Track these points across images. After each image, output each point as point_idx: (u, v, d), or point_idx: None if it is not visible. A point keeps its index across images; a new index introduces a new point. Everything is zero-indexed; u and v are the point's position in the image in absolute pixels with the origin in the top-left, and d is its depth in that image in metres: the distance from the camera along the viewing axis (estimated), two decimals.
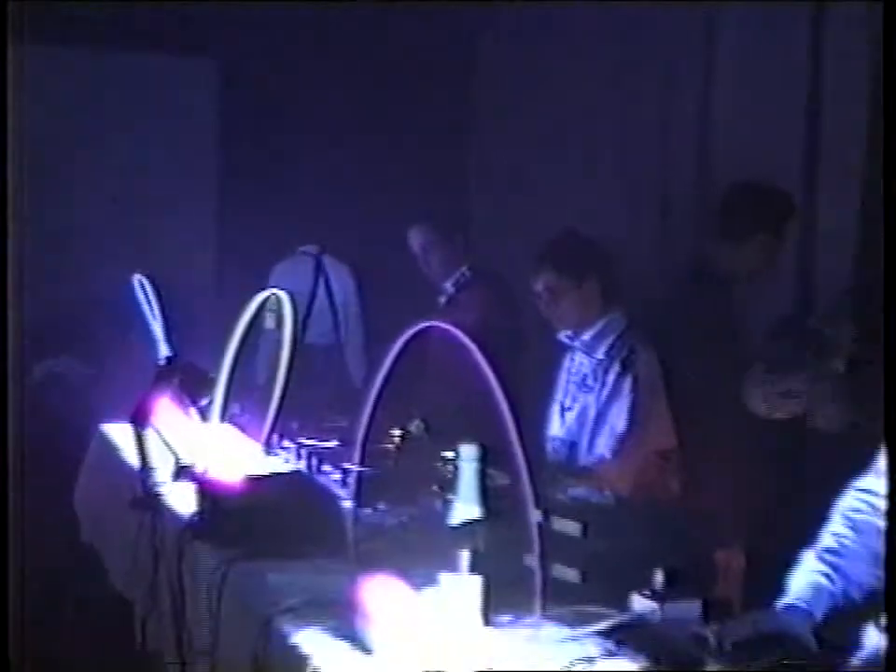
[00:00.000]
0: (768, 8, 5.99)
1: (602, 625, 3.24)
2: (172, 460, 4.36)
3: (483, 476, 3.66)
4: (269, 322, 4.61)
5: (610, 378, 5.17)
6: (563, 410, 5.37)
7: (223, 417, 4.64)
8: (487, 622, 3.18)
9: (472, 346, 3.30)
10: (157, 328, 5.21)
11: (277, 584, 3.55)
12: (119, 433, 5.20)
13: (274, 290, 4.60)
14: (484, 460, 3.65)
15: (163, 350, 5.12)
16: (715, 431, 4.86)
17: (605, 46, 6.98)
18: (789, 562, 3.39)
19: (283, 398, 4.31)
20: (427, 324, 3.50)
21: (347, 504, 3.86)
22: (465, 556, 3.24)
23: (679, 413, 5.07)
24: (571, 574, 3.48)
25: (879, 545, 3.36)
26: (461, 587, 3.20)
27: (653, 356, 5.14)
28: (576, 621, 3.27)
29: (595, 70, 7.03)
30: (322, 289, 6.81)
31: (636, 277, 5.44)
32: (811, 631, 3.14)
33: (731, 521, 4.61)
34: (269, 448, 4.41)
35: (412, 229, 6.79)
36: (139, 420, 4.25)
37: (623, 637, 3.18)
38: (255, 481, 4.04)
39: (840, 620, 3.25)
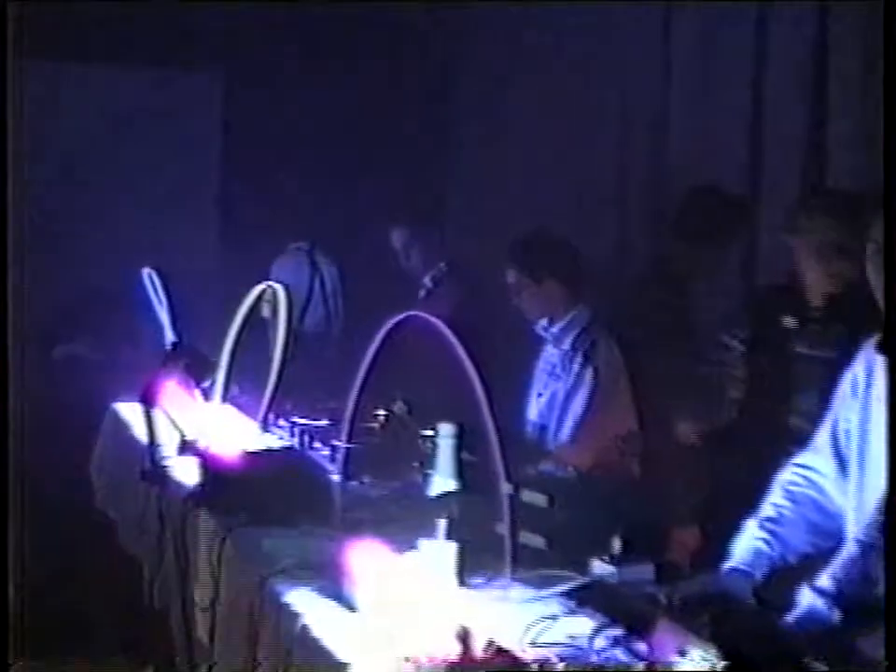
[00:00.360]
0: (720, 11, 5.96)
1: (565, 587, 3.26)
2: (177, 436, 4.36)
3: (459, 452, 3.67)
4: (265, 311, 4.62)
5: (575, 368, 5.19)
6: (537, 397, 5.40)
7: (224, 398, 4.65)
8: (462, 583, 3.19)
9: (449, 335, 3.31)
10: (164, 316, 5.21)
11: (271, 548, 3.56)
12: (130, 411, 5.20)
13: (270, 283, 4.61)
14: (461, 438, 3.66)
15: (170, 336, 5.12)
16: (670, 417, 4.88)
17: (571, 49, 6.90)
18: (733, 530, 3.41)
19: (279, 381, 4.32)
20: (409, 314, 3.51)
21: (335, 477, 3.87)
22: (442, 524, 3.26)
23: (639, 400, 5.09)
24: (538, 541, 3.51)
25: (814, 515, 3.39)
26: (438, 552, 3.21)
27: (615, 347, 5.16)
28: (541, 583, 3.29)
29: (562, 73, 6.97)
30: (317, 282, 6.79)
31: (600, 275, 5.40)
32: (752, 591, 3.16)
33: (682, 495, 4.63)
34: (265, 426, 4.41)
35: (393, 229, 6.82)
36: (148, 399, 4.25)
37: (584, 597, 3.20)
38: (252, 455, 4.05)
39: (777, 581, 3.27)
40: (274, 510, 3.81)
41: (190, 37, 7.85)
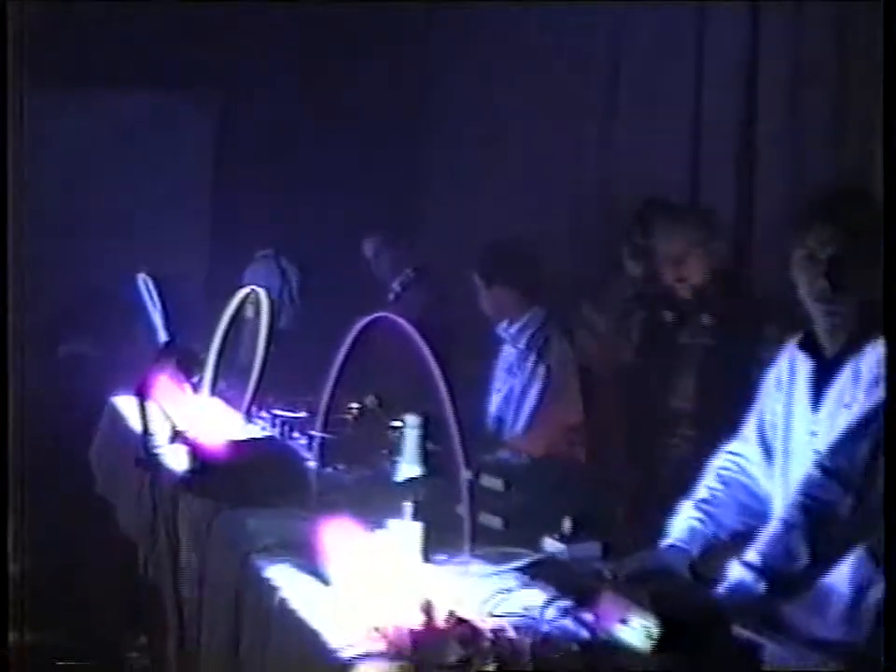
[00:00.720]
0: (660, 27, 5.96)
1: (520, 563, 3.28)
2: (169, 426, 4.34)
3: (424, 442, 3.67)
4: (249, 313, 4.61)
5: (529, 365, 5.21)
6: (496, 392, 5.42)
7: (212, 392, 4.65)
8: (426, 559, 3.20)
9: (415, 335, 3.31)
10: (158, 318, 5.20)
11: (254, 528, 3.56)
12: (127, 404, 5.18)
13: (254, 287, 4.61)
14: (425, 428, 3.67)
15: (163, 336, 5.12)
16: (615, 410, 4.89)
17: (536, 65, 6.90)
18: (670, 510, 3.42)
19: (261, 376, 4.31)
20: (378, 315, 3.51)
21: (312, 464, 3.88)
22: (408, 507, 3.26)
23: (586, 395, 5.11)
24: (495, 521, 3.51)
25: (743, 497, 3.41)
26: (405, 531, 3.22)
27: (566, 346, 5.17)
28: (499, 559, 3.30)
29: (527, 90, 6.96)
30: (286, 285, 6.79)
31: (557, 278, 5.39)
32: (687, 566, 3.17)
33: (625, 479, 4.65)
34: (249, 417, 4.40)
35: (365, 238, 6.84)
36: (142, 393, 4.23)
37: (537, 572, 3.22)
38: (237, 444, 4.05)
39: (710, 556, 3.28)
40: (257, 493, 3.81)
41: (185, 65, 7.83)
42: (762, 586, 2.94)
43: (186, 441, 4.13)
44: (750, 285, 4.90)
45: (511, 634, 2.67)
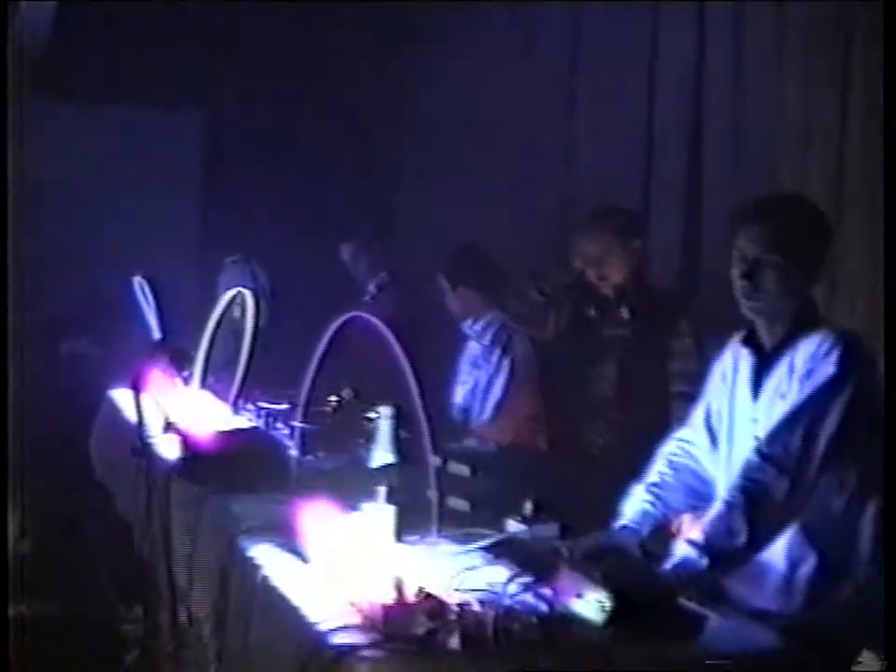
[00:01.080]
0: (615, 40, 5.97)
1: (484, 542, 3.28)
2: (162, 418, 4.33)
3: (397, 431, 3.68)
4: (236, 312, 4.61)
5: (494, 359, 5.23)
6: (461, 385, 5.43)
7: (202, 385, 4.63)
8: (398, 540, 3.19)
9: (387, 332, 3.31)
10: (151, 317, 5.18)
11: (239, 512, 3.55)
12: (122, 397, 5.16)
13: (240, 289, 4.59)
14: (398, 419, 3.67)
15: (156, 334, 5.10)
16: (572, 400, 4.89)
17: (501, 75, 6.90)
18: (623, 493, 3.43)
19: (247, 371, 4.30)
20: (353, 314, 3.51)
21: (294, 452, 3.86)
22: (382, 491, 3.25)
23: (546, 386, 5.12)
24: (462, 504, 3.52)
25: (690, 481, 3.42)
26: (379, 514, 3.21)
27: (528, 341, 5.19)
28: (465, 539, 3.30)
29: (497, 99, 6.97)
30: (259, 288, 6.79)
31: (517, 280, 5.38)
32: (638, 545, 3.18)
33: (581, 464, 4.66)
34: (235, 409, 4.39)
35: (343, 243, 6.84)
36: (137, 387, 4.21)
37: (500, 551, 3.22)
38: (224, 434, 4.04)
39: (659, 536, 3.29)
40: (242, 479, 3.80)
41: (170, 81, 7.83)
42: (705, 562, 2.95)
43: (177, 431, 4.12)
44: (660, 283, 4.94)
45: (476, 607, 2.67)
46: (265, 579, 3.01)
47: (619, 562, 2.92)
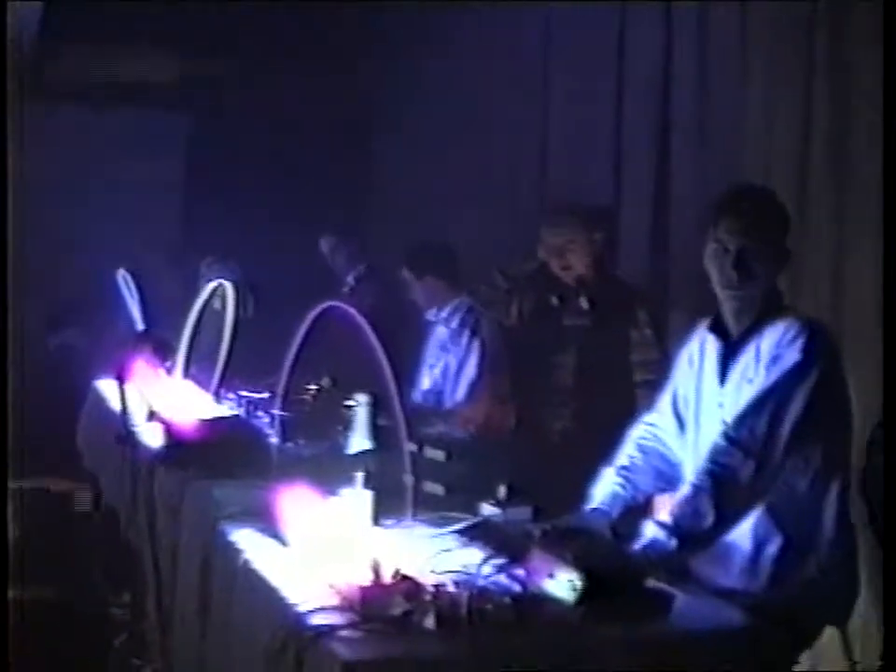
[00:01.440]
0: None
1: (459, 526, 3.27)
2: (145, 407, 4.31)
3: (374, 418, 3.67)
4: (217, 304, 4.59)
5: (464, 341, 5.27)
6: (427, 369, 5.42)
7: (184, 375, 4.62)
8: (376, 523, 3.18)
9: (363, 322, 3.31)
10: (135, 309, 5.17)
11: (221, 497, 3.53)
12: (108, 387, 5.13)
13: (221, 281, 4.58)
14: (375, 406, 3.66)
15: (140, 325, 5.08)
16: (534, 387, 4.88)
17: (477, 72, 6.88)
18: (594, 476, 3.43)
19: (227, 360, 4.29)
20: (330, 304, 3.50)
21: (274, 440, 3.86)
22: (360, 476, 3.24)
23: (514, 368, 5.12)
24: (438, 489, 3.50)
25: (659, 464, 3.43)
26: (357, 499, 3.20)
27: (495, 324, 5.20)
28: (440, 522, 3.30)
29: (471, 97, 6.96)
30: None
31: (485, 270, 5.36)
32: (609, 526, 3.18)
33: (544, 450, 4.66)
34: (217, 398, 4.38)
35: (322, 237, 6.82)
36: (121, 377, 4.20)
37: (475, 533, 3.21)
38: (206, 422, 4.02)
39: (629, 517, 3.29)
40: (224, 466, 3.78)
41: (153, 83, 7.81)
42: (673, 543, 2.96)
43: (161, 420, 4.10)
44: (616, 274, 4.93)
45: (451, 588, 2.67)
46: (246, 562, 3.00)
47: (589, 543, 2.92)
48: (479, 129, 6.90)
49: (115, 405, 4.60)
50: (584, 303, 4.64)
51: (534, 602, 2.69)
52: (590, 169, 5.89)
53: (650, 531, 3.00)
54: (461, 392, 5.27)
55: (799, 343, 3.08)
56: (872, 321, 4.20)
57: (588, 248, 4.69)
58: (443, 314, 5.41)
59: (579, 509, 3.32)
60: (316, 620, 2.57)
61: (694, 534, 2.99)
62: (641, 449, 3.46)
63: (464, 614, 2.57)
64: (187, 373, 4.61)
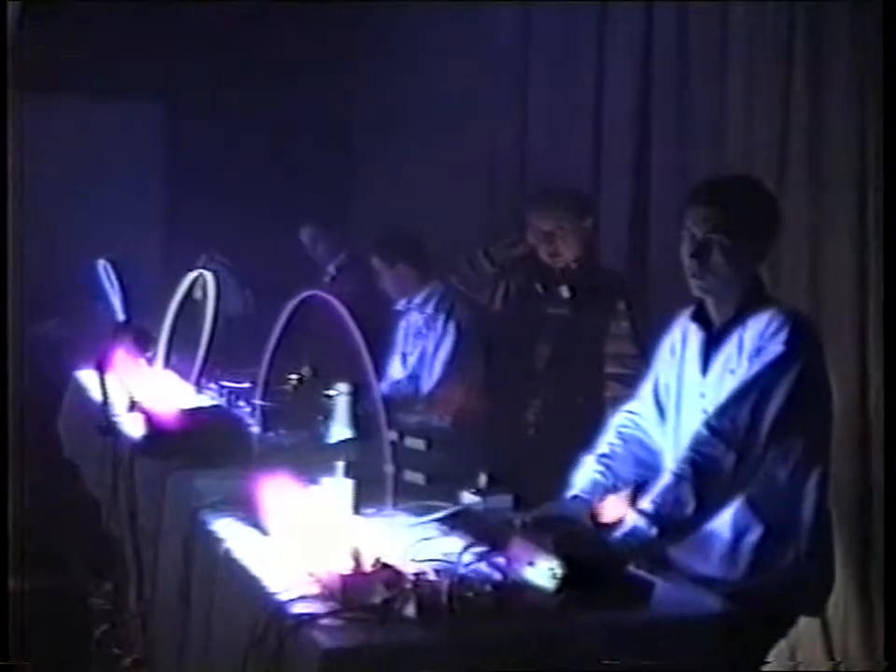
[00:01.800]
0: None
1: (440, 514, 3.26)
2: (126, 397, 4.30)
3: (354, 407, 3.66)
4: (198, 294, 4.58)
5: (439, 325, 5.27)
6: (404, 356, 5.42)
7: (165, 365, 4.60)
8: (356, 512, 3.18)
9: (342, 310, 3.30)
10: (116, 299, 5.15)
11: (202, 487, 3.52)
12: (89, 377, 5.12)
13: (202, 271, 4.56)
14: (355, 395, 3.65)
15: (120, 315, 5.06)
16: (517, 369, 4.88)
17: (459, 64, 6.88)
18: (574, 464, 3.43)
19: (208, 350, 4.28)
20: (310, 293, 3.49)
21: (255, 429, 3.86)
22: (340, 465, 3.24)
23: (492, 353, 5.13)
24: (418, 478, 3.49)
25: (639, 452, 3.43)
26: (337, 487, 3.20)
27: (473, 309, 5.20)
28: (421, 511, 3.29)
29: (451, 90, 6.95)
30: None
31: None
32: (589, 514, 3.18)
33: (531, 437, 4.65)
34: (198, 388, 4.37)
35: (303, 227, 6.83)
36: (102, 367, 4.19)
37: (455, 522, 3.21)
38: (187, 412, 4.01)
39: (610, 505, 3.30)
40: (205, 455, 3.77)
41: (135, 72, 7.78)
42: (654, 531, 2.96)
43: (142, 410, 4.10)
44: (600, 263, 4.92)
45: (431, 576, 2.67)
46: (227, 551, 3.00)
47: (570, 531, 2.91)
48: (459, 120, 6.88)
49: (96, 395, 4.60)
50: (564, 292, 4.61)
51: (514, 590, 2.68)
52: (569, 158, 5.89)
53: (630, 519, 3.00)
54: (437, 375, 5.28)
55: (782, 335, 3.08)
56: (849, 310, 4.23)
57: (577, 235, 4.65)
58: (416, 300, 5.42)
59: (559, 497, 3.32)
60: (297, 608, 2.56)
61: (675, 522, 2.99)
62: (621, 437, 3.46)
63: (444, 602, 2.57)
64: (168, 364, 4.59)
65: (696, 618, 2.76)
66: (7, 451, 4.50)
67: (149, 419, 4.00)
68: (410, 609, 2.54)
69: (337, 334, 3.41)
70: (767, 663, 3.18)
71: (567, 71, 5.96)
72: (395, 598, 2.57)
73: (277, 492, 3.05)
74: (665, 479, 3.08)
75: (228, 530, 3.13)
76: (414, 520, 3.23)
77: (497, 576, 2.75)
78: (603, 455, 3.41)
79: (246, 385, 4.53)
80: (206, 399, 4.40)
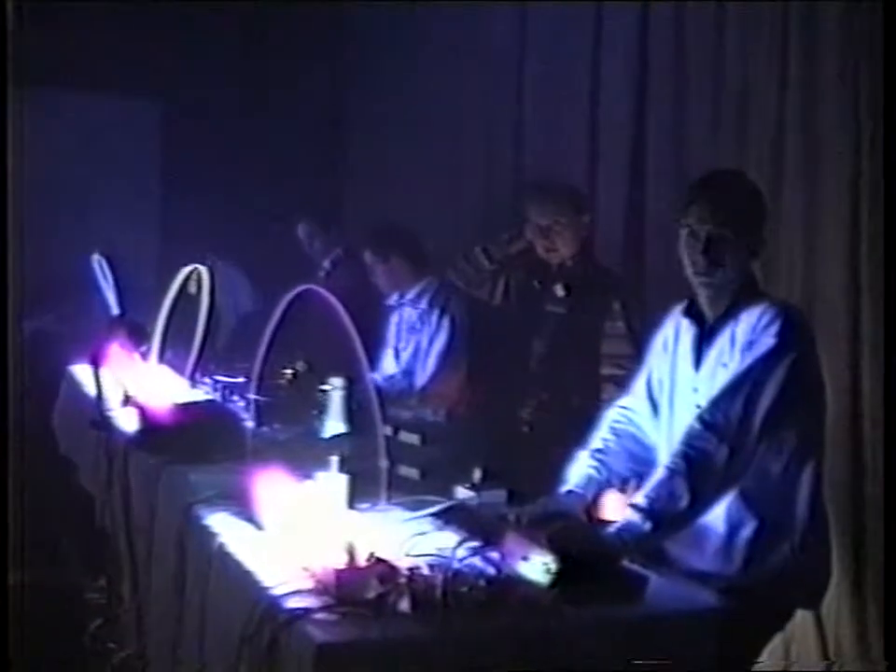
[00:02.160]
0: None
1: (434, 509, 3.26)
2: (120, 391, 4.29)
3: (348, 401, 3.65)
4: (192, 289, 4.55)
5: (433, 319, 5.26)
6: (398, 351, 5.41)
7: (160, 360, 4.59)
8: (351, 507, 3.17)
9: (337, 304, 3.29)
10: (110, 294, 5.13)
11: (196, 481, 3.51)
12: (83, 372, 5.11)
13: (196, 265, 4.54)
14: (350, 389, 3.65)
15: (115, 310, 5.05)
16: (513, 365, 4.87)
17: (451, 62, 6.86)
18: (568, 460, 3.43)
19: (203, 345, 4.26)
20: (305, 288, 3.48)
21: (250, 424, 3.85)
22: (335, 460, 3.23)
23: (489, 349, 5.12)
24: (413, 472, 3.49)
25: (633, 447, 3.43)
26: (332, 482, 3.18)
27: (468, 304, 5.20)
28: (416, 506, 3.28)
29: (443, 87, 6.93)
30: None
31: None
32: (584, 509, 3.18)
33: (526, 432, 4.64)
34: (192, 382, 4.35)
35: (300, 223, 6.82)
36: (96, 362, 4.18)
37: (450, 517, 3.20)
38: (181, 406, 3.99)
39: (604, 500, 3.30)
40: (199, 450, 3.75)
41: (130, 69, 7.77)
42: (648, 526, 2.95)
43: (135, 405, 4.08)
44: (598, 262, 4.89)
45: (425, 571, 2.66)
46: (221, 546, 2.98)
47: (564, 526, 2.90)
48: (455, 117, 6.88)
49: (90, 390, 4.58)
50: (559, 290, 4.58)
51: (508, 585, 2.67)
52: (565, 156, 5.87)
53: (624, 514, 2.99)
54: (431, 370, 5.27)
55: (774, 328, 3.08)
56: (842, 305, 4.22)
57: (574, 231, 4.62)
58: (409, 296, 5.40)
59: (553, 492, 3.31)
60: (291, 603, 2.55)
61: (669, 517, 2.99)
62: (615, 432, 3.46)
63: (439, 597, 2.56)
64: (162, 358, 4.57)
65: (691, 613, 2.75)
66: (7, 446, 4.50)
67: (144, 414, 3.99)
68: (404, 604, 2.53)
69: (332, 329, 3.40)
70: (760, 662, 3.18)
71: (562, 67, 5.94)
72: (389, 593, 2.56)
73: (271, 486, 3.04)
74: (659, 473, 3.07)
75: (222, 525, 3.11)
76: (409, 515, 3.22)
77: (492, 571, 2.74)
78: (597, 451, 3.41)
79: (241, 379, 4.52)
80: (200, 394, 4.38)
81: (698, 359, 3.25)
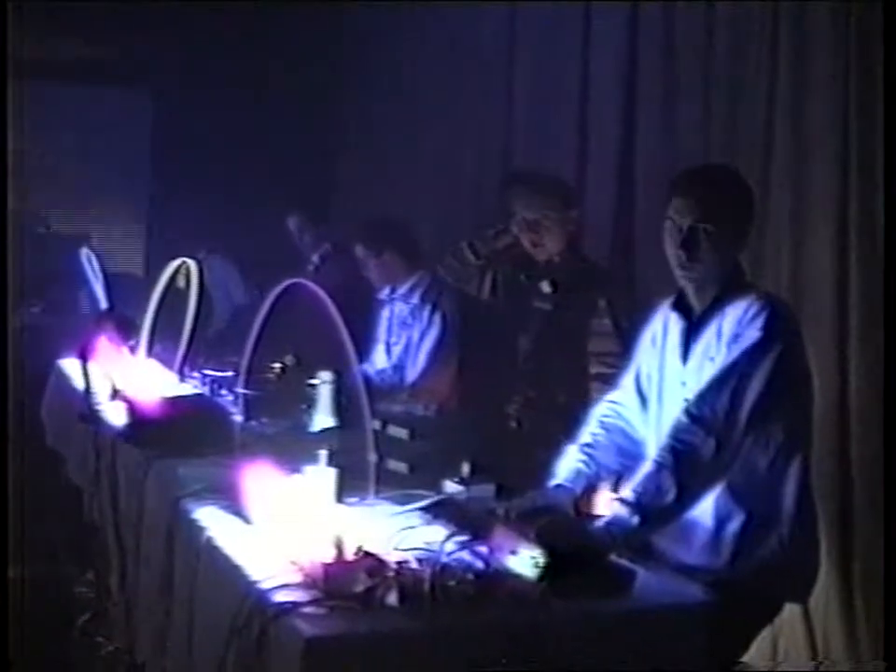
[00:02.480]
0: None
1: (423, 503, 3.25)
2: (108, 385, 4.28)
3: (337, 395, 3.65)
4: (181, 282, 4.54)
5: (425, 315, 5.24)
6: (389, 346, 5.40)
7: (148, 353, 4.58)
8: (339, 501, 3.16)
9: (325, 298, 3.28)
10: (98, 288, 5.12)
11: (184, 475, 3.50)
12: (71, 365, 5.10)
13: (185, 259, 4.53)
14: (338, 384, 3.64)
15: (103, 304, 5.04)
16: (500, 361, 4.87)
17: (442, 60, 6.86)
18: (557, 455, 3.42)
19: (191, 339, 4.25)
20: (293, 281, 3.47)
21: (238, 418, 3.84)
22: (323, 454, 3.22)
23: (477, 344, 5.12)
24: (402, 466, 3.48)
25: (622, 441, 3.42)
26: (320, 476, 3.18)
27: (460, 300, 5.18)
28: (404, 500, 3.27)
29: (435, 84, 6.93)
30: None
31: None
32: (572, 503, 3.17)
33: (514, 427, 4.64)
34: (181, 376, 4.34)
35: (290, 217, 6.81)
36: (85, 356, 4.17)
37: (438, 511, 3.19)
38: (170, 400, 3.98)
39: (593, 494, 3.29)
40: (187, 444, 3.75)
41: (122, 61, 7.76)
42: (636, 520, 2.95)
43: (124, 398, 4.07)
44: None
45: (414, 565, 2.66)
46: (209, 539, 2.98)
47: (552, 520, 2.90)
48: (445, 111, 6.88)
49: (78, 383, 4.57)
50: (545, 287, 4.54)
51: (497, 579, 2.67)
52: (554, 152, 5.87)
53: (612, 508, 2.99)
54: (422, 365, 5.26)
55: (760, 321, 3.08)
56: (829, 298, 4.23)
57: (562, 226, 4.58)
58: (401, 290, 5.39)
59: (542, 486, 3.31)
60: (279, 597, 2.55)
61: (656, 511, 2.98)
62: (604, 426, 3.45)
63: (427, 591, 2.56)
64: (150, 352, 4.57)
65: (679, 606, 2.75)
66: (6, 442, 4.49)
67: (132, 407, 3.97)
68: (392, 598, 2.53)
69: (320, 323, 3.39)
70: (748, 656, 3.18)
71: (552, 66, 5.95)
72: (377, 587, 2.55)
73: (260, 480, 3.03)
74: (646, 467, 3.07)
75: (210, 519, 3.10)
76: (397, 509, 3.22)
77: (480, 565, 2.74)
78: (586, 445, 3.40)
79: (229, 373, 4.52)
80: (189, 388, 4.37)
81: (686, 353, 3.24)
